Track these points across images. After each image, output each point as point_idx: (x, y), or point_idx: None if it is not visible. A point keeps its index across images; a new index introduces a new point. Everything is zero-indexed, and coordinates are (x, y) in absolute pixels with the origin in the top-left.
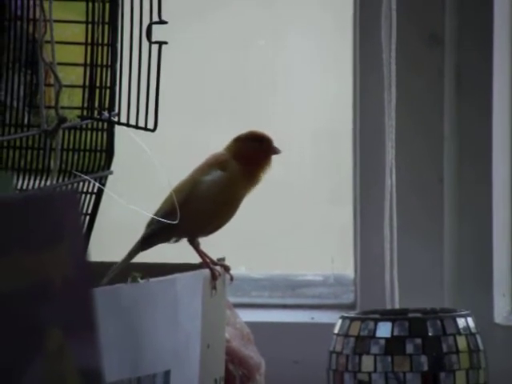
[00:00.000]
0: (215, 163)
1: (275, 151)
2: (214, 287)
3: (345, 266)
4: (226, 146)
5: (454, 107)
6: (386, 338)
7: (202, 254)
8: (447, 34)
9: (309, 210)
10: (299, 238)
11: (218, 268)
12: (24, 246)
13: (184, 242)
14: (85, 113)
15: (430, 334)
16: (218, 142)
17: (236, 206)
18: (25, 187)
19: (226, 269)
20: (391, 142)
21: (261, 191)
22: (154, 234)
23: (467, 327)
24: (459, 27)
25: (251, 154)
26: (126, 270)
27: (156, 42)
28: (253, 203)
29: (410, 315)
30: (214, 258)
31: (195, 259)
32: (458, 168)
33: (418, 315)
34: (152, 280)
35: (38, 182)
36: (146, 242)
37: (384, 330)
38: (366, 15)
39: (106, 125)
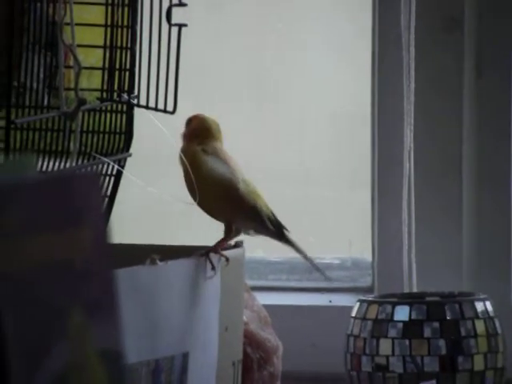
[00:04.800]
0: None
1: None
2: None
3: (363, 249)
4: None
5: (473, 90)
6: (404, 322)
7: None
8: (466, 18)
9: (327, 194)
10: (317, 222)
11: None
12: (46, 227)
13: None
14: (104, 95)
15: (448, 318)
16: (236, 125)
17: None
18: (44, 169)
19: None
20: (409, 125)
21: (278, 174)
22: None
23: (485, 311)
24: (479, 11)
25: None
26: (145, 252)
27: (176, 25)
28: (271, 186)
29: (428, 299)
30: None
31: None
32: (477, 149)
33: (436, 299)
34: (170, 262)
35: (57, 164)
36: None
37: (402, 313)
38: None
39: (125, 107)
